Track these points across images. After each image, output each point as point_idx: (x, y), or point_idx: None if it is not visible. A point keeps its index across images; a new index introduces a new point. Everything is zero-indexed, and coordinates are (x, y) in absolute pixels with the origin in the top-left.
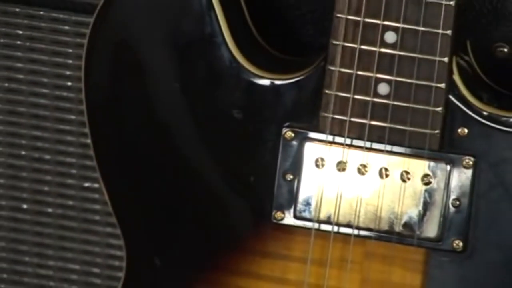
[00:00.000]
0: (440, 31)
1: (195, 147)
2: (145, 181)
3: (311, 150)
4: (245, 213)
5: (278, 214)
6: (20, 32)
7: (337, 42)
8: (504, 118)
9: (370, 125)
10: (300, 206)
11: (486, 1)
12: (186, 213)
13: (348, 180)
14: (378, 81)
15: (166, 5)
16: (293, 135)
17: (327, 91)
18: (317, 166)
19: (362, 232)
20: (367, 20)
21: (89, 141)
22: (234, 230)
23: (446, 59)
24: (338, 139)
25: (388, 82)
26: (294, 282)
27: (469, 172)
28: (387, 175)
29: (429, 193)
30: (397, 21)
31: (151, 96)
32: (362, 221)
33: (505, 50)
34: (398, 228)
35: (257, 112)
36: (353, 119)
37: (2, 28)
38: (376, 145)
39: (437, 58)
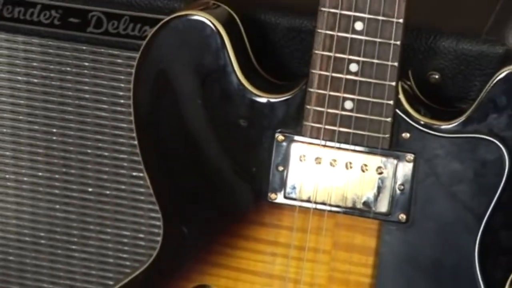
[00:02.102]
0: (390, 63)
1: (212, 146)
2: (175, 172)
3: (296, 149)
4: (248, 194)
5: (272, 195)
6: (86, 63)
7: (315, 71)
8: (436, 126)
9: (339, 131)
10: (288, 190)
11: (423, 41)
12: (205, 194)
13: (323, 171)
14: (345, 99)
15: (192, 45)
16: (283, 138)
17: (307, 106)
18: (301, 160)
19: (333, 208)
20: (337, 55)
21: (136, 142)
22: (240, 206)
23: (393, 83)
24: (316, 141)
25: (352, 100)
26: (283, 244)
27: (410, 165)
28: (351, 167)
29: (382, 180)
30: (359, 55)
31: (180, 110)
32: (333, 200)
33: (436, 77)
34: (359, 205)
35: (257, 121)
36: (326, 127)
37: (73, 61)
38: (343, 145)
39: (387, 83)
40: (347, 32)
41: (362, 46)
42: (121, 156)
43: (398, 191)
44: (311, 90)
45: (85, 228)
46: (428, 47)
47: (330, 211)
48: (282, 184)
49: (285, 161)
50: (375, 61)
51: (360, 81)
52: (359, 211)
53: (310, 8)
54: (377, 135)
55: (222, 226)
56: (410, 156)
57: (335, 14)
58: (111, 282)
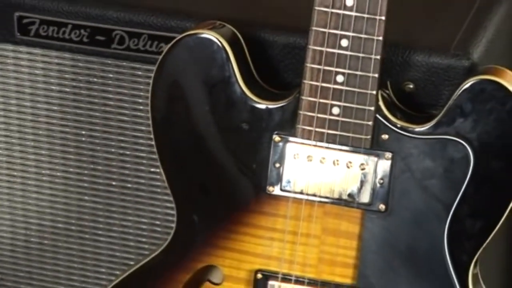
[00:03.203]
0: (371, 74)
1: (218, 146)
2: (187, 168)
3: (291, 148)
4: (249, 187)
5: (270, 188)
6: (111, 75)
7: (306, 82)
8: (410, 128)
9: (327, 133)
10: (284, 183)
11: (399, 56)
12: (213, 187)
13: (314, 167)
14: (332, 105)
15: (201, 59)
16: (279, 139)
17: (300, 112)
18: (295, 158)
19: (322, 199)
20: (325, 68)
21: (153, 143)
22: (242, 197)
23: (374, 92)
24: (308, 141)
25: (339, 106)
26: (279, 230)
27: (388, 162)
28: (338, 164)
29: (364, 175)
30: (344, 68)
31: (191, 115)
32: (322, 192)
33: (411, 86)
34: (344, 197)
35: (257, 125)
36: (317, 129)
37: (99, 73)
38: (331, 145)
39: (369, 91)
40: (334, 48)
41: (347, 60)
42: (141, 154)
43: (378, 185)
44: (303, 97)
45: (109, 216)
46: (403, 60)
47: (320, 201)
48: (279, 179)
49: (281, 159)
50: (359, 73)
51: (346, 90)
52: (345, 202)
53: (303, 28)
54: (360, 137)
55: (227, 215)
56: (389, 155)
57: (324, 32)
58: (131, 262)
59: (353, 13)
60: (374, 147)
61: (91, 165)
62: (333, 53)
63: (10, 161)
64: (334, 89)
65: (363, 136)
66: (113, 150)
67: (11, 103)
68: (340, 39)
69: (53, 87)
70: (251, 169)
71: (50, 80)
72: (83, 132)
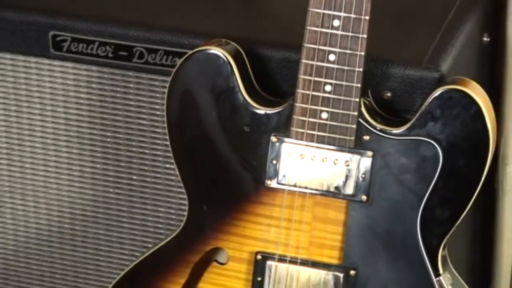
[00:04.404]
0: (354, 84)
1: (224, 146)
2: (197, 164)
3: (286, 148)
4: (251, 180)
5: (268, 182)
6: (132, 85)
7: (299, 91)
8: (388, 131)
9: (317, 134)
10: (280, 177)
11: (378, 69)
12: (219, 180)
13: (306, 164)
14: (321, 111)
15: (209, 71)
16: (276, 139)
17: (294, 116)
18: (289, 156)
19: (313, 191)
20: (315, 79)
21: (168, 143)
22: (245, 190)
23: (357, 99)
24: (300, 141)
25: (327, 111)
26: (276, 217)
27: (369, 160)
28: (326, 161)
29: (349, 171)
30: (332, 79)
31: (200, 119)
32: (313, 185)
33: (389, 94)
34: (332, 189)
35: (257, 128)
36: (308, 131)
37: (122, 83)
38: (320, 145)
39: (353, 99)
40: (323, 62)
41: (334, 72)
42: (158, 153)
43: (360, 179)
44: (297, 104)
45: (131, 205)
46: (382, 73)
47: (311, 193)
48: (275, 174)
49: (277, 157)
50: (344, 83)
51: (333, 98)
52: (332, 193)
53: (296, 44)
54: (345, 138)
55: (231, 204)
56: (370, 153)
57: (314, 48)
58: (150, 245)
59: (339, 32)
60: (357, 147)
61: (115, 162)
62: (322, 66)
63: (45, 158)
64: (323, 97)
65: (347, 137)
66: (134, 149)
67: (47, 109)
68: (328, 54)
69: (82, 95)
70: (252, 165)
71: (79, 89)
72: (108, 134)
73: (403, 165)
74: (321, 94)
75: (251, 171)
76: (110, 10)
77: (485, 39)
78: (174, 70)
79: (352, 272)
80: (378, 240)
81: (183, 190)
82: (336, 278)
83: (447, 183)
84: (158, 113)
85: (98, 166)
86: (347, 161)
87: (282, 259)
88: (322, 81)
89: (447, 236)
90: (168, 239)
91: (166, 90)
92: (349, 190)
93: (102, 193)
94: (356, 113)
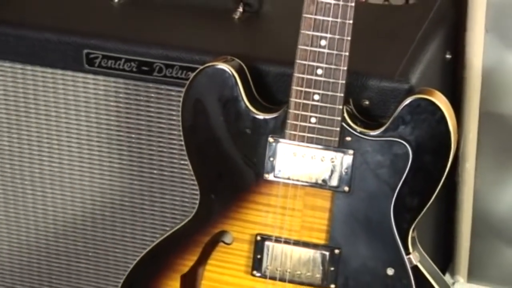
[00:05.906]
0: (338, 94)
1: (229, 145)
2: (207, 161)
3: (281, 147)
4: (252, 174)
5: (266, 175)
6: (153, 95)
7: (292, 99)
8: (366, 133)
9: (307, 136)
10: (276, 171)
11: (358, 81)
12: (225, 174)
13: (298, 161)
14: (311, 116)
15: (217, 83)
16: (273, 140)
17: (288, 121)
18: (284, 154)
19: (304, 183)
20: (306, 89)
21: (183, 143)
22: (247, 182)
23: (341, 107)
24: (293, 142)
25: (315, 117)
26: (273, 205)
27: (351, 157)
28: (315, 158)
29: (333, 166)
30: (319, 89)
31: (210, 123)
32: (304, 178)
33: (367, 103)
34: (320, 181)
35: (257, 130)
36: (299, 133)
37: (144, 93)
38: (310, 145)
39: (337, 106)
40: (312, 75)
41: (321, 84)
42: (174, 151)
43: (343, 173)
44: (290, 111)
45: (152, 195)
46: (361, 84)
47: (302, 185)
48: (272, 168)
49: (274, 154)
50: (329, 93)
51: (320, 105)
52: (320, 185)
53: (290, 61)
54: (331, 139)
55: (235, 194)
56: (351, 152)
57: (305, 64)
58: (167, 228)
59: (326, 50)
60: (341, 146)
61: (138, 159)
62: (311, 79)
63: (80, 157)
64: (312, 104)
65: (332, 138)
66: (154, 148)
67: (81, 115)
68: (316, 69)
69: (111, 103)
70: (252, 161)
71: (109, 98)
72: (133, 136)
73: (379, 161)
74: (310, 102)
75: (251, 166)
76: (135, 32)
77: (447, 56)
78: (187, 82)
79: (337, 251)
80: (358, 224)
81: (195, 182)
82: (323, 256)
83: (416, 177)
84: (175, 118)
85: (125, 162)
86: (332, 158)
87: (278, 240)
88: (311, 91)
89: (416, 221)
90: (183, 223)
91: (181, 99)
92: (334, 182)
93: (128, 185)
94: (339, 118)
